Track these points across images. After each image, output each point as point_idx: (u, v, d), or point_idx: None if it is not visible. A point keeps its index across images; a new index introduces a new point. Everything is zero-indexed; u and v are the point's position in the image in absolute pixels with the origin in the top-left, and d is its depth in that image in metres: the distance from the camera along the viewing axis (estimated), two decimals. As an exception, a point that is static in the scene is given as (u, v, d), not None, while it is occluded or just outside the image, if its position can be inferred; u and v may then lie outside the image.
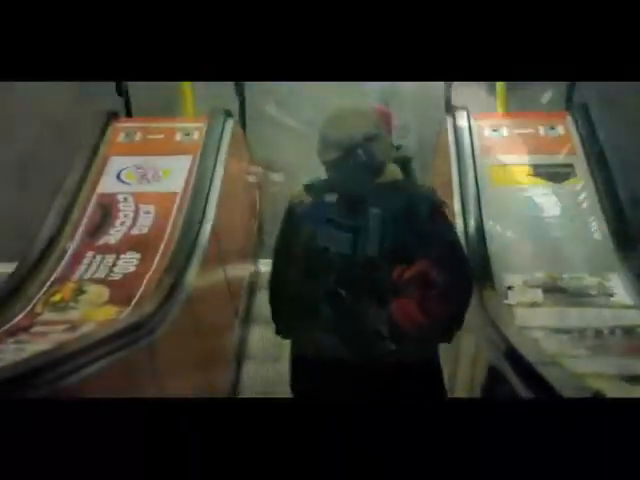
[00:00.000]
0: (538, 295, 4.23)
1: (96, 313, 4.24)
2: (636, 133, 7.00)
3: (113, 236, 4.98)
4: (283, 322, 3.20)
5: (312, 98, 6.85)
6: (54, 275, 4.64)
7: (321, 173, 3.18)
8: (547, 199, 5.12)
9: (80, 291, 4.47)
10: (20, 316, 4.21)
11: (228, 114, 6.22)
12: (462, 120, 5.87)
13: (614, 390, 2.71)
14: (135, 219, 5.11)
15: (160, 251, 4.81)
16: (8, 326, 4.05)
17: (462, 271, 3.07)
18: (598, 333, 3.74)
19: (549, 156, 5.46)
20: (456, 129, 5.80)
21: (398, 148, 5.09)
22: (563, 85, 6.08)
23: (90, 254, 4.84)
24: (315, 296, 2.98)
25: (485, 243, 4.63)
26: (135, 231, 5.02)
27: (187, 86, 6.48)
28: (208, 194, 5.33)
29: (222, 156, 5.76)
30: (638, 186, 5.95)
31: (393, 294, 2.92)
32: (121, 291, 4.44)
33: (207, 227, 5.09)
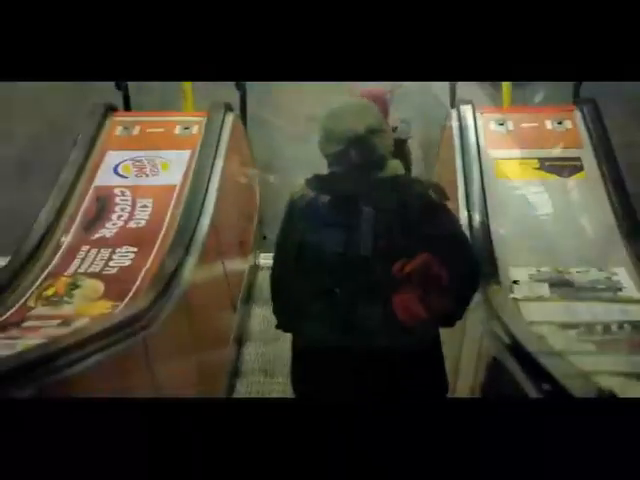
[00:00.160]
0: (544, 289, 4.17)
1: (90, 308, 4.17)
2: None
3: (109, 230, 4.92)
4: (284, 316, 3.19)
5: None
6: (48, 269, 4.57)
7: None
8: (554, 193, 5.06)
9: (74, 285, 4.40)
10: (12, 310, 4.13)
11: (228, 108, 6.15)
12: (467, 114, 5.79)
13: (625, 389, 2.65)
14: (132, 212, 5.05)
15: (157, 245, 4.74)
16: (-1, 320, 3.97)
17: (467, 264, 3.03)
18: (606, 328, 3.69)
19: (556, 150, 5.39)
20: (461, 123, 5.73)
21: (394, 130, 5.04)
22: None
23: (85, 248, 4.77)
24: (312, 292, 2.99)
25: (490, 237, 4.57)
26: (132, 225, 4.96)
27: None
28: (207, 187, 5.26)
29: (222, 150, 5.69)
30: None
31: (393, 288, 2.89)
32: (116, 285, 4.37)
33: (206, 221, 5.02)
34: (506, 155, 5.41)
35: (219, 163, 5.55)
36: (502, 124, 5.69)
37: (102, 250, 4.73)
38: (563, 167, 5.21)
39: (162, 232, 4.85)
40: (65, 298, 4.28)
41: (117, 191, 5.24)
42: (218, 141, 5.73)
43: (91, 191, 5.25)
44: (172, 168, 5.44)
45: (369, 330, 2.93)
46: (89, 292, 4.34)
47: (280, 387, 5.00)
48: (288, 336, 3.25)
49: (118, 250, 4.72)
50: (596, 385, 2.37)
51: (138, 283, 4.37)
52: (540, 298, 4.07)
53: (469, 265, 3.05)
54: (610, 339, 3.55)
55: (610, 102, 5.87)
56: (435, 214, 3.01)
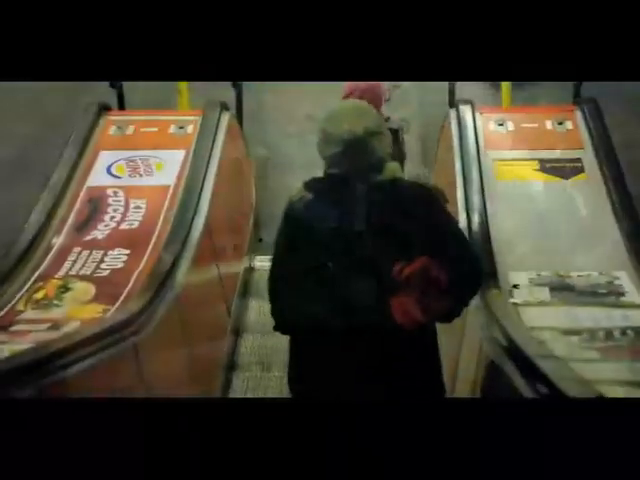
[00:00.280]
0: (545, 294, 4.10)
1: (81, 311, 4.10)
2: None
3: (101, 231, 4.85)
4: (282, 317, 3.17)
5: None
6: (38, 271, 4.50)
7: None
8: (554, 195, 5.00)
9: (65, 288, 4.34)
10: (0, 314, 4.06)
11: (224, 107, 6.08)
12: (466, 114, 5.72)
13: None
14: (125, 214, 4.98)
15: (150, 247, 4.67)
16: (-13, 325, 3.90)
17: (467, 262, 3.04)
18: (608, 334, 3.62)
19: (557, 151, 5.33)
20: (460, 123, 5.67)
21: (386, 120, 4.97)
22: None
23: (77, 250, 4.70)
24: (311, 293, 3.00)
25: (489, 240, 4.50)
26: (125, 226, 4.89)
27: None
28: (202, 188, 5.20)
29: (217, 150, 5.64)
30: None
31: (392, 291, 2.88)
32: (108, 288, 4.30)
33: (200, 222, 4.95)
34: (506, 156, 5.35)
35: (214, 163, 5.48)
36: (502, 124, 5.64)
37: (94, 252, 4.65)
38: (564, 168, 5.15)
39: (155, 234, 4.78)
40: (55, 301, 4.22)
41: (110, 192, 5.17)
42: (213, 141, 5.67)
43: (83, 192, 5.18)
44: (166, 168, 5.37)
45: (365, 320, 2.93)
46: (80, 295, 4.27)
47: (277, 381, 5.00)
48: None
49: (110, 252, 4.65)
50: (596, 392, 2.35)
51: (130, 286, 4.30)
52: (540, 303, 4.01)
53: (470, 263, 3.05)
54: (613, 346, 3.49)
55: (610, 102, 5.80)
56: (434, 216, 3.01)
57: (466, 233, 4.26)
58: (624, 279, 4.21)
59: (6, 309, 4.10)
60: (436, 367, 3.12)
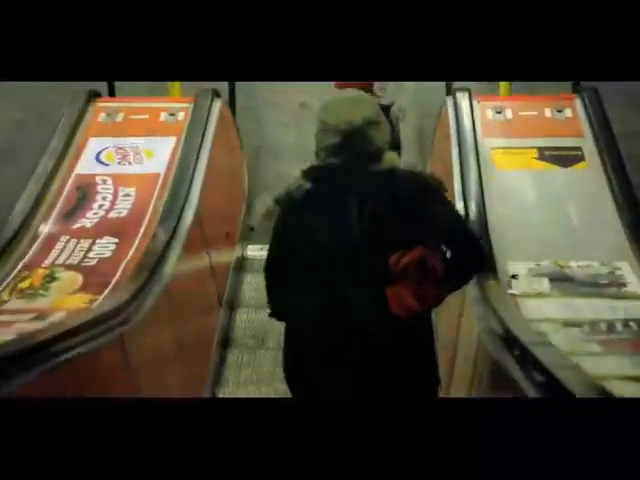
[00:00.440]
0: (544, 285, 4.04)
1: (67, 301, 4.05)
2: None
3: (90, 219, 4.78)
4: (278, 305, 3.20)
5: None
6: (24, 260, 4.43)
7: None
8: (553, 184, 4.93)
9: (51, 277, 4.28)
10: (-17, 304, 4.00)
11: (216, 94, 6.00)
12: (463, 102, 5.65)
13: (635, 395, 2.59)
14: (114, 202, 4.92)
15: (139, 236, 4.61)
16: (-31, 314, 3.84)
17: (470, 247, 3.06)
18: (610, 326, 3.57)
19: (556, 139, 5.27)
20: (457, 111, 5.60)
21: (377, 97, 5.02)
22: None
23: (65, 238, 4.63)
24: (308, 280, 3.01)
25: (487, 229, 4.45)
26: (113, 215, 4.82)
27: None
28: (192, 176, 5.13)
29: (208, 138, 5.57)
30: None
31: (389, 281, 2.88)
32: (95, 278, 4.24)
33: (190, 211, 4.88)
34: (504, 144, 5.29)
35: (205, 151, 5.41)
36: (500, 112, 5.56)
37: (82, 241, 4.59)
38: (563, 157, 5.09)
39: (144, 223, 4.72)
40: (41, 291, 4.16)
41: (99, 179, 5.10)
42: (205, 128, 5.60)
43: (71, 179, 5.11)
44: (156, 156, 5.30)
45: (362, 311, 2.93)
46: (66, 285, 4.21)
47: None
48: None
49: (98, 241, 4.58)
50: (596, 384, 2.31)
51: (118, 276, 4.25)
52: (540, 294, 3.96)
53: (472, 244, 3.08)
54: (615, 339, 3.43)
55: (610, 93, 5.71)
56: (434, 205, 3.00)
57: (464, 222, 4.22)
58: (626, 269, 4.16)
59: (-10, 299, 4.03)
60: (431, 357, 3.11)
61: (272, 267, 3.19)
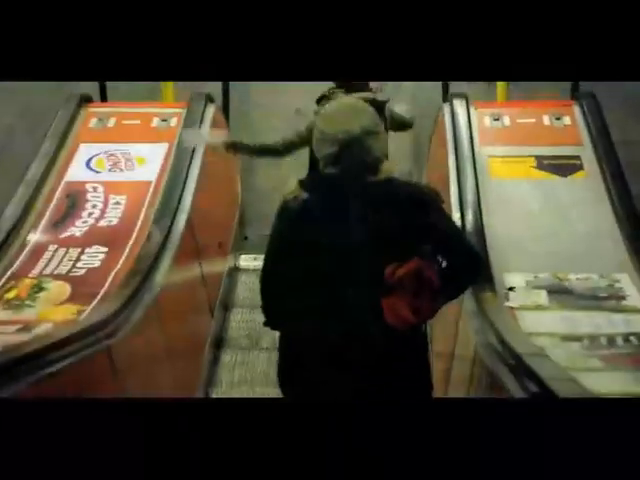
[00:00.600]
0: (542, 297, 3.98)
1: (54, 312, 3.99)
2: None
3: (79, 228, 4.72)
4: (273, 314, 3.18)
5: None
6: (11, 269, 4.37)
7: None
8: (552, 193, 4.86)
9: (39, 288, 4.22)
10: (-32, 315, 3.94)
11: (210, 99, 5.96)
12: (460, 108, 5.60)
13: None
14: (104, 210, 4.86)
15: (129, 245, 4.55)
16: (-47, 325, 3.78)
17: (467, 258, 3.05)
18: (610, 340, 3.52)
19: (554, 147, 5.22)
20: (454, 118, 5.55)
21: (373, 92, 4.86)
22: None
23: (53, 247, 4.58)
24: (304, 290, 2.99)
25: (484, 240, 4.39)
26: (103, 223, 4.77)
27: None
28: (184, 184, 5.07)
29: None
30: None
31: (385, 292, 2.88)
32: (83, 288, 4.18)
33: (182, 219, 4.81)
34: (501, 153, 5.24)
35: (198, 158, 5.33)
36: (497, 119, 5.52)
37: (70, 250, 4.53)
38: (562, 166, 5.05)
39: (135, 231, 4.66)
40: (27, 302, 4.10)
41: (89, 187, 5.04)
42: (197, 134, 5.52)
43: (61, 186, 5.06)
44: (148, 163, 5.25)
45: (359, 322, 2.91)
46: (54, 295, 4.15)
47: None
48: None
49: (87, 250, 4.53)
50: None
51: (107, 286, 4.19)
52: (538, 307, 3.91)
53: (469, 255, 3.07)
54: (616, 353, 3.39)
55: (609, 98, 5.65)
56: (431, 215, 2.99)
57: (460, 233, 4.16)
58: (625, 282, 4.11)
59: (-26, 310, 3.98)
60: (425, 368, 3.10)
61: (268, 277, 3.15)
